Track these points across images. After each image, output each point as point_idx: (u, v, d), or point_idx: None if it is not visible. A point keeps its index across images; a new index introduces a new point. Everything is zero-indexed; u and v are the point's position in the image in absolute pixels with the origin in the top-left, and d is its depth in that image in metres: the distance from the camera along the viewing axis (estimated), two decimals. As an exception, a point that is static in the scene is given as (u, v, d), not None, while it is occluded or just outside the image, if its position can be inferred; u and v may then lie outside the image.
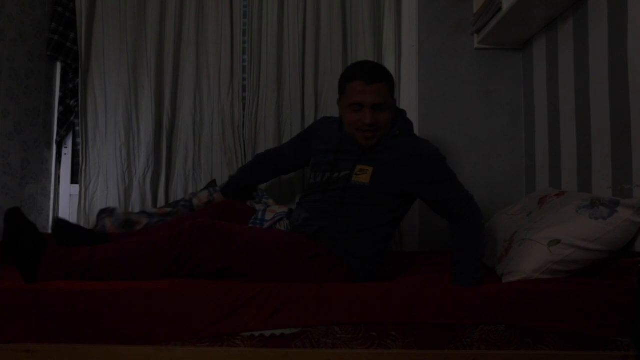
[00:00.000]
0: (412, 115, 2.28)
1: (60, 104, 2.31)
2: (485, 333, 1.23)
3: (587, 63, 1.68)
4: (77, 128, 2.36)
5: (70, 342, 1.26)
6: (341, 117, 1.60)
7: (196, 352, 1.24)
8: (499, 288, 1.29)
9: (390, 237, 1.60)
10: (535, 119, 2.13)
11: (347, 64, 2.28)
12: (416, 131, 2.24)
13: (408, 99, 2.29)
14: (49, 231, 2.29)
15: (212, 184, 2.23)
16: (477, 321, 1.24)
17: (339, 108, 1.61)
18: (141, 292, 1.28)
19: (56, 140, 2.33)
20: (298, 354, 1.24)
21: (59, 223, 1.62)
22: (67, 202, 2.36)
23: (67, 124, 2.31)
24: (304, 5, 2.28)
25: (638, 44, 1.40)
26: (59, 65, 2.36)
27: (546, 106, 2.02)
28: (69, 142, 2.39)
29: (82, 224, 2.24)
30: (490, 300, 1.25)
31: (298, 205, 1.65)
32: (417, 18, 2.29)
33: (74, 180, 2.37)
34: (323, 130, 1.72)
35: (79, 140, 2.34)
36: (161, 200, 2.25)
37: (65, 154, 2.38)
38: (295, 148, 1.85)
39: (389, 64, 2.29)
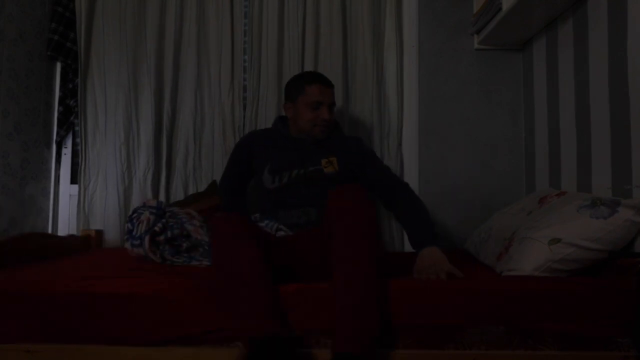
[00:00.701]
0: (412, 115, 2.28)
1: (60, 104, 2.31)
2: (484, 334, 1.23)
3: (587, 63, 1.68)
4: (76, 128, 2.36)
5: (70, 343, 1.26)
6: (291, 117, 1.79)
7: (196, 352, 1.24)
8: (497, 288, 1.28)
9: None
10: (535, 119, 2.13)
11: (347, 64, 2.29)
12: (416, 131, 2.28)
13: (408, 99, 2.29)
14: (49, 231, 2.30)
15: (213, 185, 2.24)
16: (476, 322, 1.23)
17: (287, 110, 1.81)
18: (141, 295, 1.27)
19: (56, 140, 2.33)
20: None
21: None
22: (66, 202, 2.36)
23: (67, 124, 2.31)
24: (303, 6, 2.28)
25: (638, 44, 1.40)
26: (58, 65, 2.36)
27: (546, 106, 2.02)
28: (69, 142, 2.39)
29: (81, 225, 2.24)
30: (488, 301, 1.24)
31: (276, 209, 1.69)
32: (417, 18, 2.30)
33: (74, 180, 2.37)
34: (259, 142, 1.84)
35: (78, 140, 2.34)
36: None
37: (64, 154, 2.38)
38: (241, 174, 1.90)
39: (390, 64, 2.29)
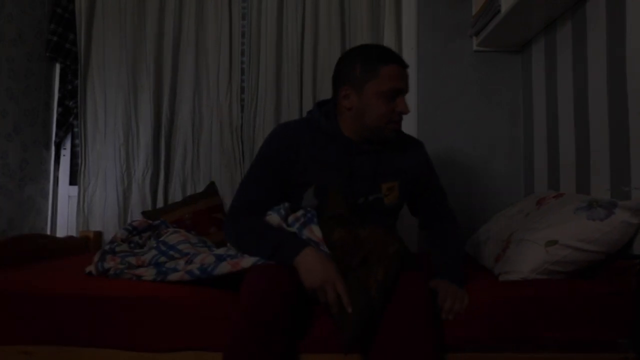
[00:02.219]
0: (412, 117, 2.28)
1: (59, 105, 2.31)
2: (482, 344, 1.22)
3: (585, 65, 1.68)
4: (75, 129, 2.36)
5: (68, 345, 1.26)
6: (351, 110, 1.31)
7: (196, 357, 1.23)
8: (493, 299, 1.26)
9: None
10: (534, 121, 2.13)
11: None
12: (415, 132, 2.26)
13: (408, 101, 2.28)
14: (48, 232, 2.30)
15: (211, 186, 2.24)
16: (474, 336, 1.22)
17: (344, 100, 1.32)
18: (141, 299, 1.27)
19: (55, 141, 2.33)
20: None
21: None
22: (65, 203, 2.36)
23: (66, 125, 2.32)
24: (302, 7, 2.28)
25: (636, 46, 1.40)
26: (57, 66, 2.36)
27: (545, 108, 2.02)
28: (68, 143, 2.39)
29: (80, 226, 2.24)
30: (485, 314, 1.22)
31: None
32: (416, 20, 2.30)
33: (73, 181, 2.37)
34: (304, 144, 1.33)
35: (77, 141, 2.34)
36: (160, 202, 2.25)
37: (63, 155, 2.38)
38: (275, 195, 1.33)
39: (388, 65, 2.29)
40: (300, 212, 1.29)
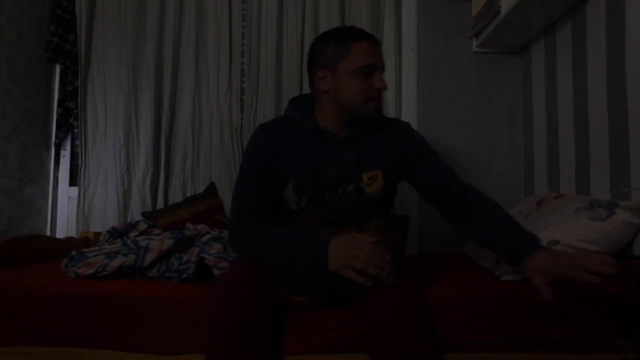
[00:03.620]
0: (412, 118, 2.28)
1: (59, 106, 2.31)
2: (483, 344, 1.22)
3: (585, 66, 1.69)
4: (75, 130, 2.36)
5: (68, 346, 1.26)
6: (327, 92, 1.28)
7: (196, 357, 1.22)
8: (494, 299, 1.26)
9: None
10: (533, 122, 2.13)
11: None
12: (415, 134, 2.26)
13: (407, 102, 2.29)
14: (47, 233, 2.29)
15: (212, 187, 2.24)
16: (474, 336, 1.22)
17: (320, 82, 1.29)
18: (142, 299, 1.26)
19: (55, 142, 2.33)
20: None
21: None
22: (65, 204, 2.36)
23: (66, 125, 2.32)
24: (302, 8, 2.28)
25: (636, 48, 1.40)
26: (57, 67, 2.36)
27: (545, 109, 2.02)
28: (68, 144, 2.39)
29: (80, 227, 2.24)
30: (486, 313, 1.22)
31: None
32: (416, 21, 2.30)
33: (73, 182, 2.37)
34: (279, 140, 1.31)
35: (77, 142, 2.34)
36: (160, 203, 2.25)
37: (63, 156, 2.38)
38: (269, 195, 1.32)
39: (389, 67, 2.30)
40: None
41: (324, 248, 1.13)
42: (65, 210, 2.35)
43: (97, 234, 2.20)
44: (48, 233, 2.30)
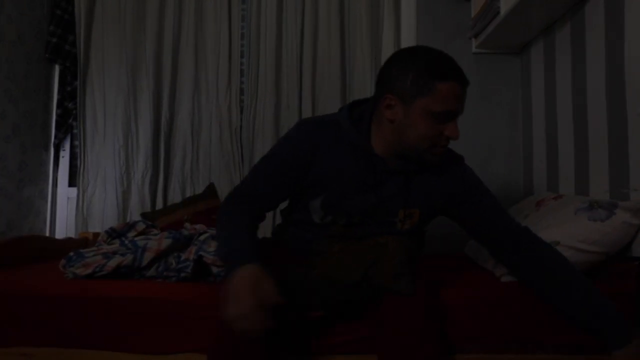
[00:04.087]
0: (411, 119, 2.28)
1: (58, 106, 2.31)
2: (483, 346, 1.22)
3: (584, 67, 1.69)
4: (75, 130, 2.36)
5: (68, 347, 1.25)
6: (392, 123, 1.13)
7: (196, 358, 1.21)
8: (494, 300, 1.26)
9: None
10: (533, 123, 2.14)
11: (345, 68, 2.28)
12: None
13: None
14: (47, 234, 2.29)
15: (211, 187, 2.23)
16: (475, 337, 1.21)
17: (386, 110, 1.13)
18: (142, 299, 1.26)
19: (54, 143, 2.32)
20: None
21: None
22: (64, 204, 2.35)
23: (65, 126, 2.31)
24: (302, 9, 2.28)
25: (635, 48, 1.40)
26: (57, 68, 2.36)
27: (544, 109, 2.02)
28: (67, 145, 2.39)
29: (79, 227, 2.23)
30: (487, 315, 1.22)
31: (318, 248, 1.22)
32: (416, 22, 2.30)
33: (72, 182, 2.37)
34: (321, 147, 1.18)
35: (76, 142, 2.34)
36: (159, 203, 2.25)
37: (62, 156, 2.38)
38: (280, 191, 1.24)
39: (388, 67, 2.29)
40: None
41: (230, 274, 0.98)
42: (64, 211, 2.35)
43: (96, 235, 2.20)
44: (47, 233, 2.30)
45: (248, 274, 0.96)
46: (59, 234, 2.31)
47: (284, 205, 1.34)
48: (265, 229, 2.07)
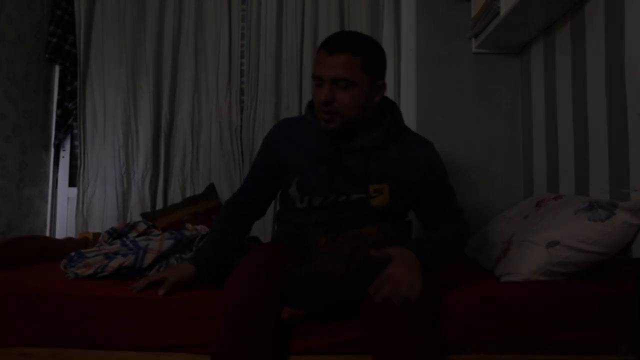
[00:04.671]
0: (411, 119, 2.28)
1: (58, 106, 2.31)
2: (483, 346, 1.22)
3: (584, 67, 1.69)
4: (75, 131, 2.36)
5: (67, 347, 1.25)
6: None
7: (196, 357, 1.22)
8: (494, 300, 1.26)
9: None
10: (532, 123, 2.14)
11: (346, 67, 2.29)
12: (414, 134, 2.26)
13: (406, 103, 2.29)
14: (47, 234, 2.29)
15: (211, 187, 2.24)
16: (474, 337, 1.22)
17: None
18: (141, 299, 1.26)
19: (54, 143, 2.32)
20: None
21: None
22: (64, 205, 2.35)
23: (65, 126, 2.31)
24: (302, 9, 2.29)
25: (635, 48, 1.40)
26: (57, 68, 2.36)
27: (544, 110, 2.02)
28: (67, 145, 2.39)
29: (79, 227, 2.24)
30: (486, 314, 1.22)
31: (303, 229, 1.32)
32: (416, 22, 2.30)
33: (72, 182, 2.37)
34: (291, 138, 1.35)
35: (77, 142, 2.34)
36: (159, 203, 2.25)
37: (63, 156, 2.38)
38: (264, 186, 1.43)
39: (388, 68, 2.27)
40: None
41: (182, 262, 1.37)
42: (64, 211, 2.35)
43: (97, 235, 2.20)
44: (47, 234, 2.30)
45: (182, 267, 1.32)
46: (59, 234, 2.31)
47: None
48: (265, 233, 2.07)
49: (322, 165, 1.30)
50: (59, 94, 2.33)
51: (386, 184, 1.29)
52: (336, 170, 1.29)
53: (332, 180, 1.29)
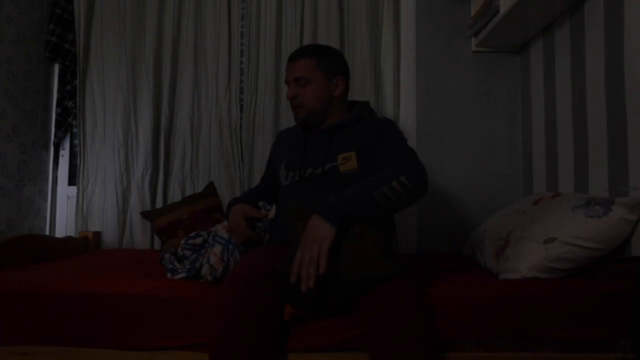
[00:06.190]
0: (411, 118, 2.29)
1: (58, 105, 2.31)
2: (482, 344, 1.23)
3: (583, 66, 1.69)
4: (74, 130, 2.36)
5: (68, 345, 1.26)
6: None
7: (195, 357, 1.23)
8: (492, 298, 1.27)
9: None
10: (532, 122, 2.14)
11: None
12: (414, 133, 2.27)
13: (406, 102, 2.30)
14: (47, 233, 2.29)
15: (210, 186, 2.24)
16: (473, 335, 1.22)
17: None
18: (141, 298, 1.27)
19: (54, 142, 2.32)
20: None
21: None
22: (64, 203, 2.35)
23: (65, 125, 2.31)
24: (301, 8, 2.28)
25: (634, 47, 1.41)
26: (56, 67, 2.36)
27: (543, 108, 2.02)
28: (67, 144, 2.39)
29: (79, 226, 2.24)
30: (484, 312, 1.23)
31: (287, 202, 1.50)
32: (415, 21, 2.30)
33: (71, 181, 2.37)
34: (284, 138, 1.68)
35: (76, 141, 2.34)
36: (159, 202, 2.25)
37: (62, 155, 2.38)
38: (268, 178, 1.71)
39: (387, 67, 2.30)
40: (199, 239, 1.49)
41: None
42: (64, 210, 2.35)
43: (96, 234, 2.21)
44: (47, 232, 2.30)
45: (237, 207, 1.49)
46: (59, 233, 2.32)
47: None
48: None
49: (299, 147, 1.55)
50: (58, 92, 2.33)
51: (353, 151, 1.45)
52: (310, 148, 1.53)
53: (306, 155, 1.52)
